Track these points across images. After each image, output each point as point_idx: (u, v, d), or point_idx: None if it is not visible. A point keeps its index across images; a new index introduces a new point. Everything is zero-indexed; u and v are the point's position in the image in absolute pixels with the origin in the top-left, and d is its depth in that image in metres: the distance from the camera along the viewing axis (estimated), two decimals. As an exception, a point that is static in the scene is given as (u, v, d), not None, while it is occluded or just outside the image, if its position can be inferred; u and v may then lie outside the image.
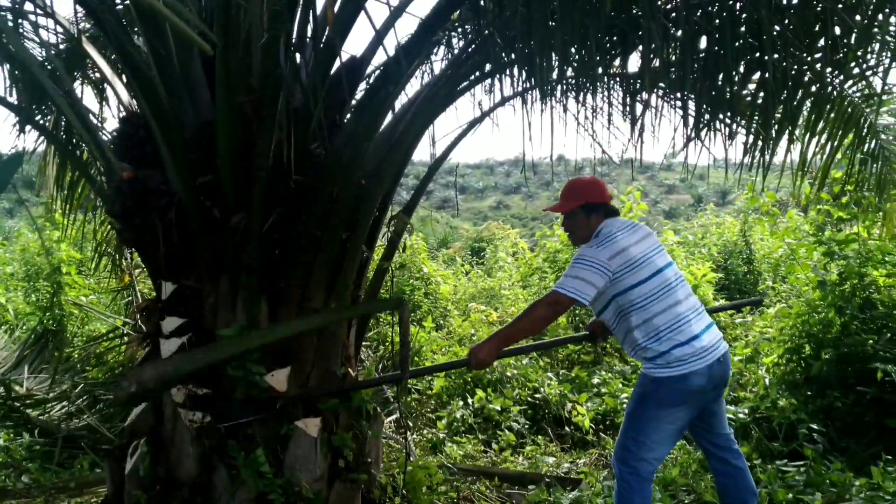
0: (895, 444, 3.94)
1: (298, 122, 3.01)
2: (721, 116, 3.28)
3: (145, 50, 3.07)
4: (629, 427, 2.91)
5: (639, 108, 3.36)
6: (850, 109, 3.95)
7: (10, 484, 4.22)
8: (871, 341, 4.33)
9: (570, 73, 3.29)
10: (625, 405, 3.38)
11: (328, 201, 3.18)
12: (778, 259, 9.03)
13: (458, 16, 3.54)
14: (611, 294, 2.90)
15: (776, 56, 2.81)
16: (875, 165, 4.40)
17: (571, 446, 5.15)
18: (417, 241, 8.79)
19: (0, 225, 19.96)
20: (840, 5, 2.75)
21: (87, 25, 4.39)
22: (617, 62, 3.42)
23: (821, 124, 3.89)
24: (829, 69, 3.28)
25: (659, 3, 2.88)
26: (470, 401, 5.50)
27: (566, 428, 5.34)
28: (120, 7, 3.94)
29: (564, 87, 3.62)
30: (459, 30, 3.64)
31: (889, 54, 3.02)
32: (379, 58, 3.53)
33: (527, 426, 5.33)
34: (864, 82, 3.76)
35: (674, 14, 2.93)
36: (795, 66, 3.02)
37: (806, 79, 3.24)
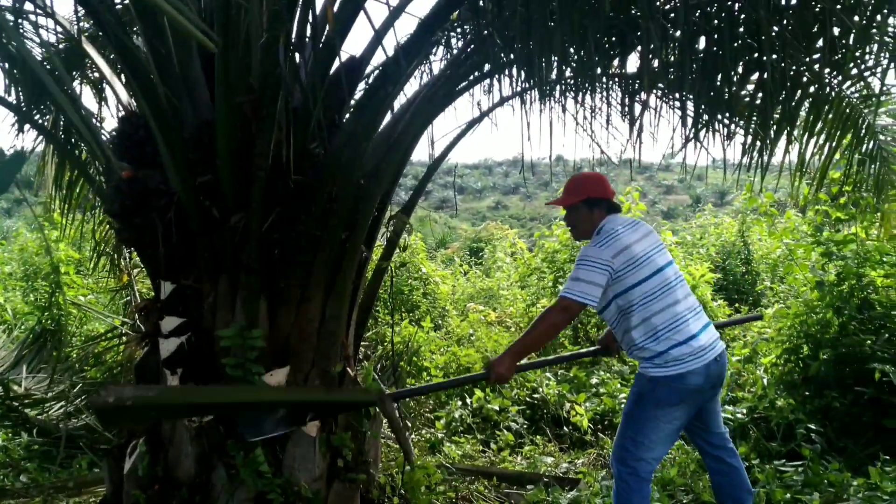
0: (893, 444, 3.95)
1: (298, 122, 3.02)
2: (720, 117, 3.28)
3: (144, 50, 3.07)
4: (627, 427, 2.92)
5: (637, 108, 3.37)
6: (848, 110, 3.95)
7: (9, 483, 4.22)
8: (868, 342, 4.33)
9: (568, 73, 3.29)
10: (623, 405, 3.39)
11: (327, 201, 3.18)
12: (776, 259, 9.05)
13: (458, 16, 3.55)
14: (612, 294, 2.90)
15: (775, 57, 2.82)
16: (873, 166, 4.40)
17: (570, 446, 5.16)
18: (416, 241, 8.80)
19: (-2, 224, 19.93)
20: (838, 6, 2.75)
21: (86, 25, 4.39)
22: (616, 62, 3.42)
23: (819, 125, 3.90)
24: (827, 70, 3.29)
25: (658, 3, 2.89)
26: (468, 401, 5.51)
27: (564, 428, 5.34)
28: (119, 6, 3.94)
29: (563, 87, 3.63)
30: (458, 30, 3.64)
31: (887, 55, 3.02)
32: (378, 58, 3.54)
33: (525, 426, 5.34)
34: (862, 83, 3.77)
35: (672, 14, 2.94)
36: (794, 67, 3.02)
37: (804, 79, 3.24)
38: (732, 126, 3.32)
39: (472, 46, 3.35)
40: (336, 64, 3.17)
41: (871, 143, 4.26)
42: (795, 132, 3.65)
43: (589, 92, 3.45)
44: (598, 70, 3.24)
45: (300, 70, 3.15)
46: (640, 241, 2.91)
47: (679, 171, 3.43)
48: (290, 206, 3.09)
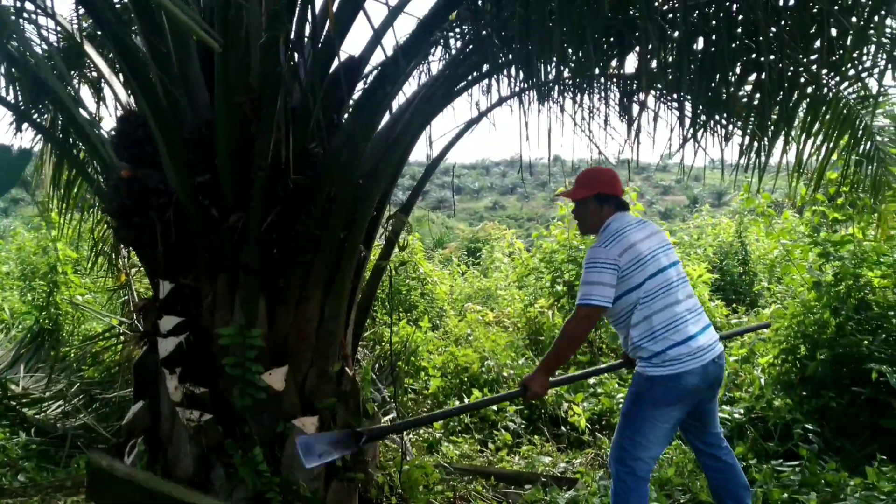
0: (890, 445, 3.95)
1: (297, 122, 3.02)
2: (717, 117, 3.29)
3: (144, 49, 3.07)
4: (625, 427, 2.92)
5: (635, 108, 3.38)
6: (845, 111, 3.96)
7: (7, 483, 4.21)
8: (865, 342, 4.34)
9: (567, 73, 3.30)
10: (621, 405, 3.40)
11: (326, 201, 3.19)
12: (773, 260, 9.04)
13: (456, 16, 3.55)
14: (617, 292, 2.89)
15: (772, 57, 2.83)
16: (870, 167, 4.41)
17: (567, 446, 5.17)
18: (414, 241, 8.79)
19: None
20: (836, 7, 2.76)
21: (85, 24, 4.39)
22: (614, 63, 3.44)
23: (816, 125, 3.91)
24: (825, 70, 3.31)
25: (656, 3, 2.89)
26: (466, 400, 5.51)
27: (562, 428, 5.35)
28: (118, 4, 3.94)
29: (561, 87, 3.64)
30: (457, 30, 3.65)
31: (885, 56, 3.03)
32: (377, 58, 3.55)
33: (523, 426, 5.34)
34: (859, 84, 3.78)
35: (671, 15, 2.95)
36: (791, 68, 3.03)
37: (802, 80, 3.26)
38: (730, 127, 3.33)
39: (471, 47, 3.36)
40: (335, 64, 3.17)
41: (869, 143, 4.27)
42: (793, 133, 3.66)
43: (587, 92, 3.46)
44: (597, 70, 3.24)
45: (299, 70, 3.16)
46: (646, 240, 2.92)
47: (677, 171, 3.45)
48: (289, 205, 3.10)
